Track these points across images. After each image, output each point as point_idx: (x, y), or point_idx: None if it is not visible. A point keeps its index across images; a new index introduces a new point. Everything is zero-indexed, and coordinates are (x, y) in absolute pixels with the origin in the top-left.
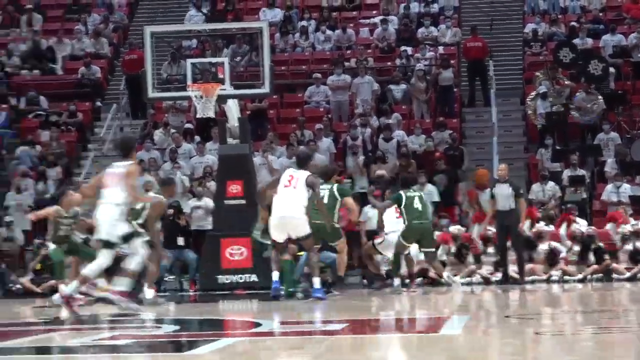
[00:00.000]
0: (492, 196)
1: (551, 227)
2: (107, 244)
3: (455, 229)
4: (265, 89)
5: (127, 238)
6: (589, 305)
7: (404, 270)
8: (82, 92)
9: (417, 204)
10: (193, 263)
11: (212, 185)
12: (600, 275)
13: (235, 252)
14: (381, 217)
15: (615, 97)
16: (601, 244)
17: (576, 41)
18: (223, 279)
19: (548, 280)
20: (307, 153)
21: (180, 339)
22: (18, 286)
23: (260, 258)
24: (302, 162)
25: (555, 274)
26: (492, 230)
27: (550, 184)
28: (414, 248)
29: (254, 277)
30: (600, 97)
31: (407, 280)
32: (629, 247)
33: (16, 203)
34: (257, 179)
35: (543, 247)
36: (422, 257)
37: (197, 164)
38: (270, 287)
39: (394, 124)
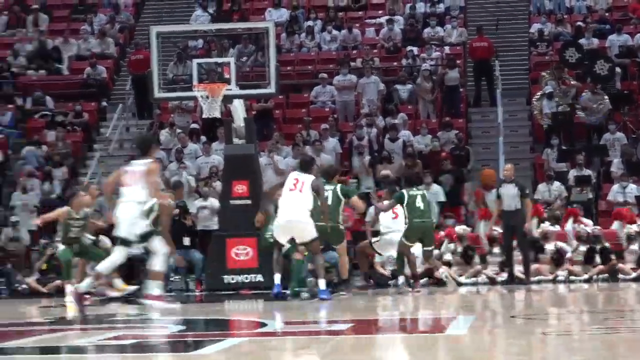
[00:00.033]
0: (498, 196)
1: (557, 227)
2: (125, 242)
3: (460, 228)
4: (271, 89)
5: (145, 237)
6: (595, 305)
7: (406, 271)
8: (88, 92)
9: (419, 203)
10: (199, 263)
11: (218, 185)
12: (606, 275)
13: (241, 252)
14: (377, 217)
15: (621, 97)
16: (607, 244)
17: (582, 41)
18: (229, 279)
19: (554, 281)
20: (310, 156)
21: (186, 339)
22: (24, 286)
23: (266, 258)
24: (306, 166)
25: (561, 274)
26: (497, 230)
27: (556, 184)
28: (417, 248)
29: (259, 277)
30: (606, 97)
31: (412, 281)
32: (634, 247)
33: (22, 203)
34: (262, 179)
35: (549, 247)
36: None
37: (203, 164)
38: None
39: (399, 124)
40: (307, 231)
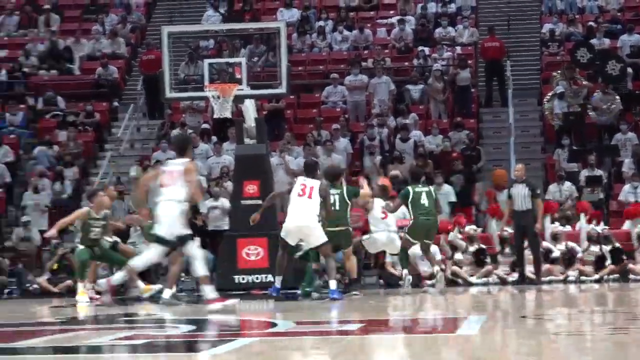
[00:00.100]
0: (509, 196)
1: (568, 228)
2: (162, 241)
3: (471, 229)
4: (282, 89)
5: (182, 240)
6: (606, 305)
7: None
8: (99, 92)
9: (424, 200)
10: (210, 263)
11: (229, 185)
12: (617, 275)
13: (252, 252)
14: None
15: (632, 97)
16: (618, 245)
17: (594, 41)
18: (239, 279)
19: (565, 281)
20: (314, 160)
21: (196, 339)
22: (35, 286)
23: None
24: (311, 170)
25: (572, 274)
26: (508, 230)
27: (567, 184)
28: (417, 248)
29: (270, 277)
30: (617, 97)
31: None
32: None
33: (34, 203)
34: (273, 179)
35: (560, 247)
36: (437, 257)
37: (214, 164)
38: (285, 288)
39: (411, 124)
40: (316, 236)
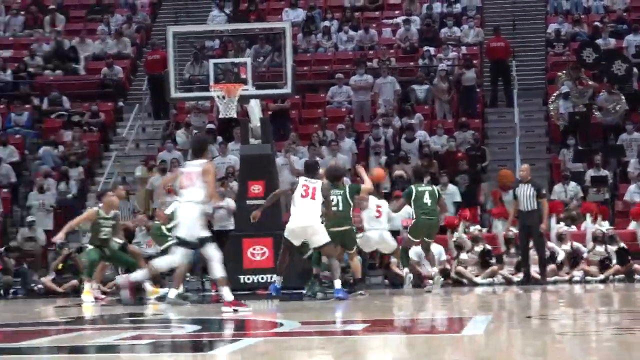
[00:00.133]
0: (515, 197)
1: (573, 228)
2: (184, 243)
3: (475, 229)
4: (288, 89)
5: (202, 241)
6: (611, 306)
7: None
8: (104, 93)
9: (426, 199)
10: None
11: (234, 185)
12: (622, 275)
13: (257, 252)
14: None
15: (638, 98)
16: (623, 245)
17: (599, 41)
18: (245, 279)
19: (570, 281)
20: (314, 160)
21: (202, 339)
22: (40, 286)
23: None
24: (311, 170)
25: (577, 274)
26: (514, 230)
27: (572, 184)
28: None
29: (275, 277)
30: (623, 97)
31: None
32: None
33: (39, 203)
34: (279, 179)
35: (565, 247)
36: (443, 257)
37: (219, 164)
38: (291, 288)
39: (416, 124)
40: (319, 236)
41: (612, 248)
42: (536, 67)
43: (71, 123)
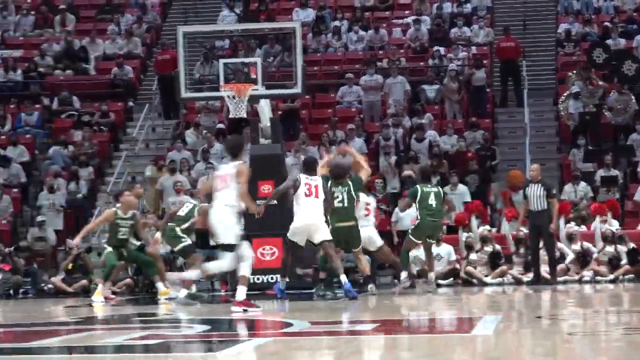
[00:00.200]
0: (525, 196)
1: (583, 228)
2: (228, 247)
3: (485, 229)
4: (298, 89)
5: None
6: (621, 305)
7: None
8: (114, 92)
9: (431, 200)
10: None
11: None
12: (632, 275)
13: (267, 252)
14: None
15: None
16: (634, 245)
17: (609, 41)
18: (254, 278)
19: (580, 281)
20: (313, 157)
21: (211, 339)
22: (50, 286)
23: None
24: (310, 167)
25: (587, 274)
26: (524, 230)
27: (583, 184)
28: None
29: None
30: (633, 97)
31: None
32: None
33: (49, 203)
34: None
35: (575, 247)
36: (452, 257)
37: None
38: (301, 288)
39: (426, 124)
40: (321, 232)
41: (622, 248)
42: (546, 67)
43: (81, 123)
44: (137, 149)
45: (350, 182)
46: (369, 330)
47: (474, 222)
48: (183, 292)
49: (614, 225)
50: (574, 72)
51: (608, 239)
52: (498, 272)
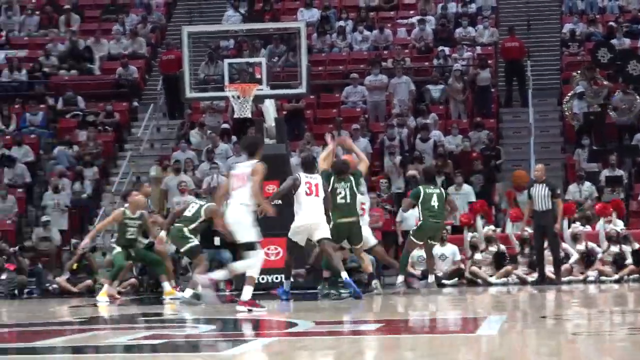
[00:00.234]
0: (529, 197)
1: (587, 228)
2: (249, 246)
3: (489, 229)
4: (302, 89)
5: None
6: (626, 305)
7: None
8: (119, 92)
9: (434, 202)
10: (229, 263)
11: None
12: (637, 275)
13: (272, 252)
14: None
15: None
16: (638, 245)
17: (614, 41)
18: (259, 278)
19: (584, 281)
20: (312, 155)
21: (216, 339)
22: (54, 286)
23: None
24: (310, 166)
25: (592, 274)
26: (528, 230)
27: (587, 184)
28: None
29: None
30: (638, 97)
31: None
32: None
33: (53, 203)
34: None
35: (580, 247)
36: (457, 257)
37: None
38: (307, 288)
39: (431, 124)
40: (320, 230)
41: (627, 248)
42: (551, 67)
43: (86, 123)
44: (142, 149)
45: (352, 178)
46: (374, 330)
47: (479, 222)
48: (188, 292)
49: (619, 225)
50: (579, 72)
51: (613, 239)
52: (503, 272)
